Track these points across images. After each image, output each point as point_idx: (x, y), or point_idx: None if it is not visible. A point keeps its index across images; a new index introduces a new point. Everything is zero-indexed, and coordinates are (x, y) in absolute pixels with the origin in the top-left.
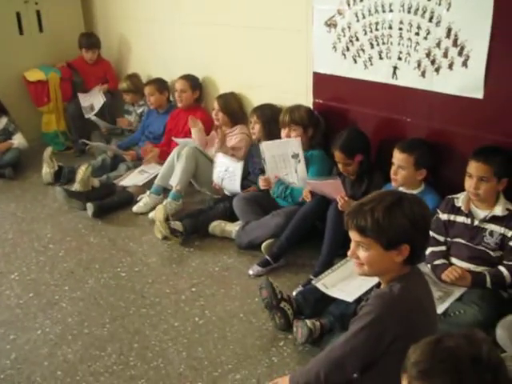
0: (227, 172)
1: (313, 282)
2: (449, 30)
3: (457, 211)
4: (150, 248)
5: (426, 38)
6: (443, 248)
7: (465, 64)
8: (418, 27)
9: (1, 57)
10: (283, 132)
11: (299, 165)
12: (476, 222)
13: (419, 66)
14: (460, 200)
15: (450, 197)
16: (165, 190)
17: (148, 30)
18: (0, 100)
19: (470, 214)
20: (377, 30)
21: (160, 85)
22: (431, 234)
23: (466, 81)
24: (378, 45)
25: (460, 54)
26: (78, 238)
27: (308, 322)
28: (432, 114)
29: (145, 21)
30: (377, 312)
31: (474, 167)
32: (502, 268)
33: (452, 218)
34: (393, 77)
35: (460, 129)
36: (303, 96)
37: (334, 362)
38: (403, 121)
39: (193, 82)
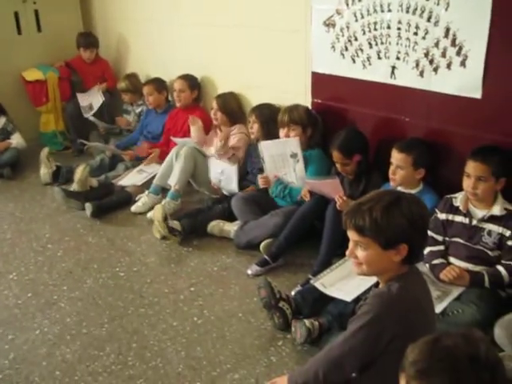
0: (223, 174)
1: (311, 281)
2: (447, 30)
3: (455, 211)
4: (148, 248)
5: (424, 38)
6: (441, 247)
7: (463, 64)
8: (417, 27)
9: None
10: (282, 132)
11: (298, 164)
12: (474, 222)
13: (417, 65)
14: (458, 200)
15: (449, 196)
16: (163, 190)
17: (147, 30)
18: None
19: (468, 214)
20: (375, 29)
21: (158, 84)
22: (429, 233)
23: (464, 80)
24: (376, 44)
25: (458, 53)
26: (77, 238)
27: (306, 321)
28: (430, 113)
29: (143, 21)
30: (375, 311)
31: (472, 167)
32: (500, 267)
33: (450, 217)
34: (391, 76)
35: (458, 128)
36: (302, 96)
37: (332, 361)
38: (402, 120)
39: (191, 82)
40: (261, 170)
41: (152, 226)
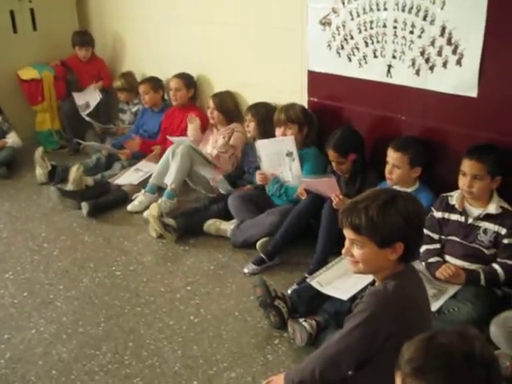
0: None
1: (308, 280)
2: (443, 29)
3: (451, 209)
4: (144, 247)
5: (420, 37)
6: (437, 246)
7: (459, 62)
8: (413, 26)
9: None
10: (278, 131)
11: (293, 163)
12: (470, 220)
13: (413, 64)
14: (454, 198)
15: (445, 195)
16: (160, 189)
17: (142, 29)
18: None
19: (464, 212)
20: (371, 28)
21: (155, 83)
22: (425, 232)
23: (460, 79)
24: (372, 43)
25: (454, 52)
26: (73, 237)
27: (306, 324)
28: (426, 112)
29: (139, 19)
30: (371, 310)
31: (467, 165)
32: (495, 266)
33: (446, 215)
34: (387, 75)
35: (454, 127)
36: (298, 94)
37: (328, 359)
38: (398, 119)
39: (187, 81)
40: (257, 169)
41: (148, 225)
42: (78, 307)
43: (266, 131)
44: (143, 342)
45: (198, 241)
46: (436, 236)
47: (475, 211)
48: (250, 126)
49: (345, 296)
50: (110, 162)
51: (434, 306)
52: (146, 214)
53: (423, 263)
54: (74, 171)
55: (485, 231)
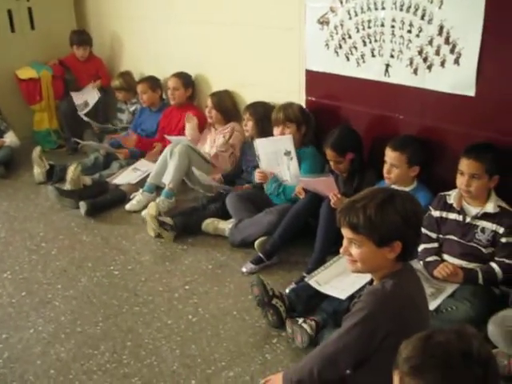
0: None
1: (306, 279)
2: (441, 28)
3: (449, 208)
4: (142, 246)
5: (418, 36)
6: (435, 245)
7: (457, 62)
8: (411, 25)
9: None
10: (276, 130)
11: (292, 162)
12: (468, 219)
13: (411, 63)
14: (452, 197)
15: (442, 194)
16: (158, 188)
17: (141, 28)
18: None
19: (461, 211)
20: (369, 27)
21: (153, 83)
22: (423, 231)
23: (457, 78)
24: (370, 42)
25: (452, 51)
26: (71, 237)
27: (306, 326)
28: (424, 111)
29: (137, 18)
30: (369, 308)
31: (465, 164)
32: (493, 264)
33: (444, 215)
34: (385, 74)
35: (452, 126)
36: (296, 94)
37: (327, 358)
38: (396, 118)
39: (185, 80)
40: (255, 168)
41: (146, 225)
42: (76, 307)
43: (264, 130)
44: (141, 341)
45: (196, 240)
46: (434, 235)
47: (473, 210)
48: (248, 125)
49: (343, 295)
50: (108, 161)
51: (432, 305)
52: (144, 213)
53: (421, 262)
54: (72, 170)
55: (483, 230)
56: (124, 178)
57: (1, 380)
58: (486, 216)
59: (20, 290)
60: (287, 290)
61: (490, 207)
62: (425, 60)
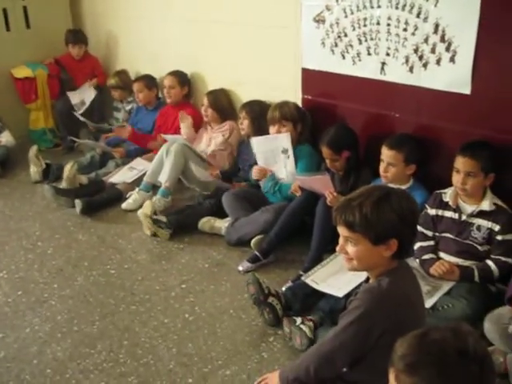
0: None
1: (302, 278)
2: (436, 26)
3: (445, 206)
4: (139, 245)
5: (413, 34)
6: (431, 243)
7: (452, 60)
8: (406, 23)
9: None
10: (272, 129)
11: (288, 160)
12: (464, 217)
13: (407, 61)
14: (448, 195)
15: (438, 192)
16: (154, 187)
17: (136, 27)
18: None
19: (457, 209)
20: (365, 25)
21: (148, 81)
22: (420, 229)
23: (453, 76)
24: (366, 40)
25: (447, 49)
26: (67, 236)
27: (305, 328)
28: (420, 109)
29: (133, 17)
30: (366, 306)
31: (461, 162)
32: (489, 262)
33: (440, 212)
34: (381, 72)
35: (448, 124)
36: (292, 92)
37: (323, 356)
38: (391, 116)
39: (181, 78)
40: (252, 166)
41: (142, 223)
42: (73, 306)
43: (261, 128)
44: (138, 340)
45: (193, 239)
46: (430, 233)
47: (469, 208)
48: (244, 124)
49: (340, 293)
50: (104, 160)
51: (429, 303)
52: (140, 212)
53: (417, 260)
54: (68, 169)
55: (478, 228)
56: (120, 176)
57: None
58: (481, 214)
59: (16, 289)
60: (284, 289)
61: (486, 205)
62: (420, 58)
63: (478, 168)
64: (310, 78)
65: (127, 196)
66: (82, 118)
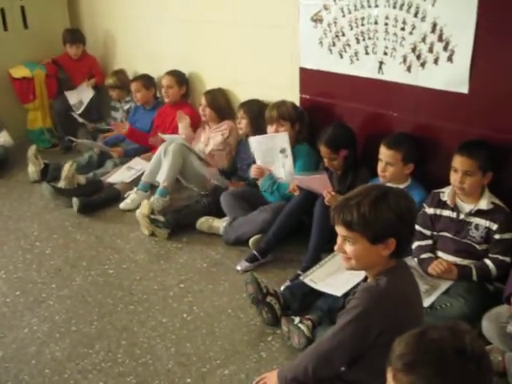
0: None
1: (301, 277)
2: (434, 25)
3: (443, 205)
4: (137, 245)
5: (411, 33)
6: (429, 242)
7: (450, 59)
8: (404, 22)
9: None
10: (270, 128)
11: (287, 160)
12: (461, 216)
13: (405, 60)
14: (446, 194)
15: (436, 191)
16: (152, 187)
17: (134, 26)
18: None
19: (455, 208)
20: (362, 25)
21: (146, 81)
22: (418, 228)
23: (451, 75)
24: (363, 40)
25: (445, 48)
26: (65, 236)
27: (303, 327)
28: (418, 108)
29: (131, 17)
30: (364, 305)
31: (458, 161)
32: (487, 261)
33: (438, 212)
34: (379, 72)
35: (446, 123)
36: (290, 91)
37: (321, 355)
38: (389, 116)
39: (179, 78)
40: (250, 166)
41: (140, 223)
42: (71, 306)
43: (259, 128)
44: (136, 340)
45: (191, 238)
46: (428, 232)
47: (467, 207)
48: (242, 123)
49: (338, 292)
50: (102, 160)
51: (427, 302)
52: (137, 212)
53: (415, 259)
54: (67, 168)
55: (476, 227)
56: (118, 176)
57: None
58: (479, 213)
59: (14, 289)
60: (282, 288)
61: (484, 204)
62: (418, 57)
63: (476, 167)
64: (308, 78)
65: (125, 196)
66: (80, 119)
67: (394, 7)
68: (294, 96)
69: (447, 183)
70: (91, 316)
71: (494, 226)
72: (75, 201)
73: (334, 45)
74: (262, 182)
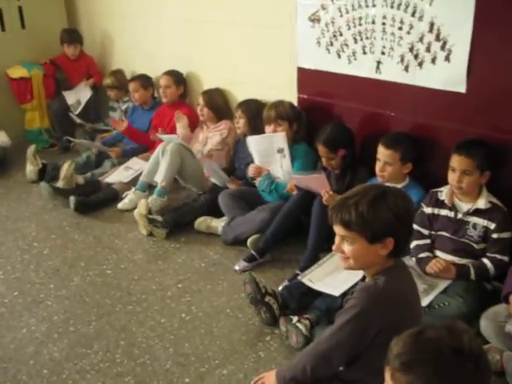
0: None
1: (299, 277)
2: (431, 25)
3: (440, 205)
4: (135, 245)
5: (408, 33)
6: (428, 241)
7: (447, 58)
8: (401, 22)
9: None
10: (268, 128)
11: (284, 159)
12: (459, 215)
13: (402, 60)
14: (443, 193)
15: (434, 190)
16: (150, 187)
17: (132, 26)
18: None
19: (453, 208)
20: (360, 24)
21: (144, 81)
22: (416, 227)
23: (448, 75)
24: (361, 39)
25: (443, 48)
26: (63, 236)
27: (301, 326)
28: (416, 108)
29: (129, 17)
30: (362, 305)
31: (456, 161)
32: (485, 260)
33: (436, 211)
34: (376, 71)
35: (443, 123)
36: (288, 91)
37: (320, 355)
38: (387, 115)
39: (177, 78)
40: (248, 165)
41: (138, 223)
42: (69, 306)
43: (257, 127)
44: (135, 340)
45: (189, 238)
46: (426, 231)
47: (464, 206)
48: (240, 123)
49: (336, 292)
50: (100, 160)
51: (425, 301)
52: (135, 212)
53: (413, 259)
54: (66, 167)
55: (474, 226)
56: (116, 176)
57: None
58: (477, 212)
59: (12, 289)
60: (280, 288)
61: (482, 203)
62: (416, 57)
63: (474, 166)
64: (306, 77)
65: (123, 196)
66: (78, 120)
67: (392, 7)
68: (292, 96)
69: (445, 182)
70: (89, 316)
71: (492, 225)
72: (72, 199)
73: (331, 44)
74: (260, 181)
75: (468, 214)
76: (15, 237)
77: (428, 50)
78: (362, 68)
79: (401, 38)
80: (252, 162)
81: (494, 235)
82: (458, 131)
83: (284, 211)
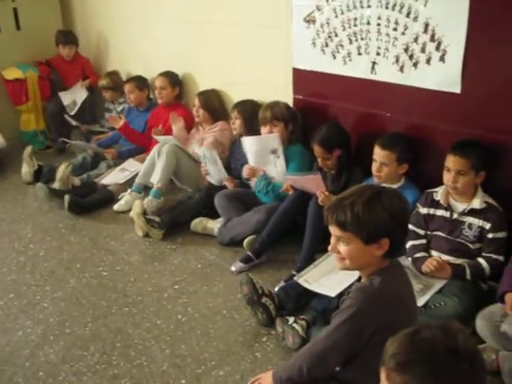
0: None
1: (295, 278)
2: (426, 26)
3: (436, 205)
4: (131, 246)
5: (403, 34)
6: (423, 241)
7: (442, 59)
8: (396, 22)
9: None
10: (264, 129)
11: (278, 160)
12: (455, 215)
13: (397, 61)
14: (439, 194)
15: (430, 191)
16: (146, 188)
17: (128, 27)
18: None
19: (448, 208)
20: (355, 25)
21: (140, 82)
22: (412, 227)
23: (443, 75)
24: (356, 40)
25: (437, 48)
26: (59, 238)
27: (297, 327)
28: (411, 108)
29: (124, 18)
30: (358, 305)
31: (451, 161)
32: (481, 260)
33: (431, 211)
34: (371, 72)
35: (438, 123)
36: (283, 92)
37: (316, 356)
38: (382, 116)
39: (172, 79)
40: (243, 166)
41: (135, 225)
42: (65, 308)
43: (253, 128)
44: (131, 341)
45: (185, 239)
46: (422, 232)
47: (460, 206)
48: (236, 124)
49: (332, 293)
50: (96, 161)
51: (421, 301)
52: (132, 213)
53: (409, 259)
54: (63, 169)
55: (469, 226)
56: (112, 178)
57: None
58: (472, 212)
59: (8, 291)
60: (276, 289)
61: (477, 203)
62: (411, 57)
63: (469, 166)
64: (301, 78)
65: (119, 197)
66: (73, 122)
67: (387, 7)
68: (287, 96)
69: (440, 183)
70: (85, 318)
71: (487, 225)
72: (66, 197)
73: (326, 45)
74: (256, 182)
75: (463, 214)
76: (11, 239)
77: (423, 50)
78: (357, 69)
79: (396, 38)
80: (247, 162)
81: (490, 235)
82: (453, 131)
83: (280, 212)
